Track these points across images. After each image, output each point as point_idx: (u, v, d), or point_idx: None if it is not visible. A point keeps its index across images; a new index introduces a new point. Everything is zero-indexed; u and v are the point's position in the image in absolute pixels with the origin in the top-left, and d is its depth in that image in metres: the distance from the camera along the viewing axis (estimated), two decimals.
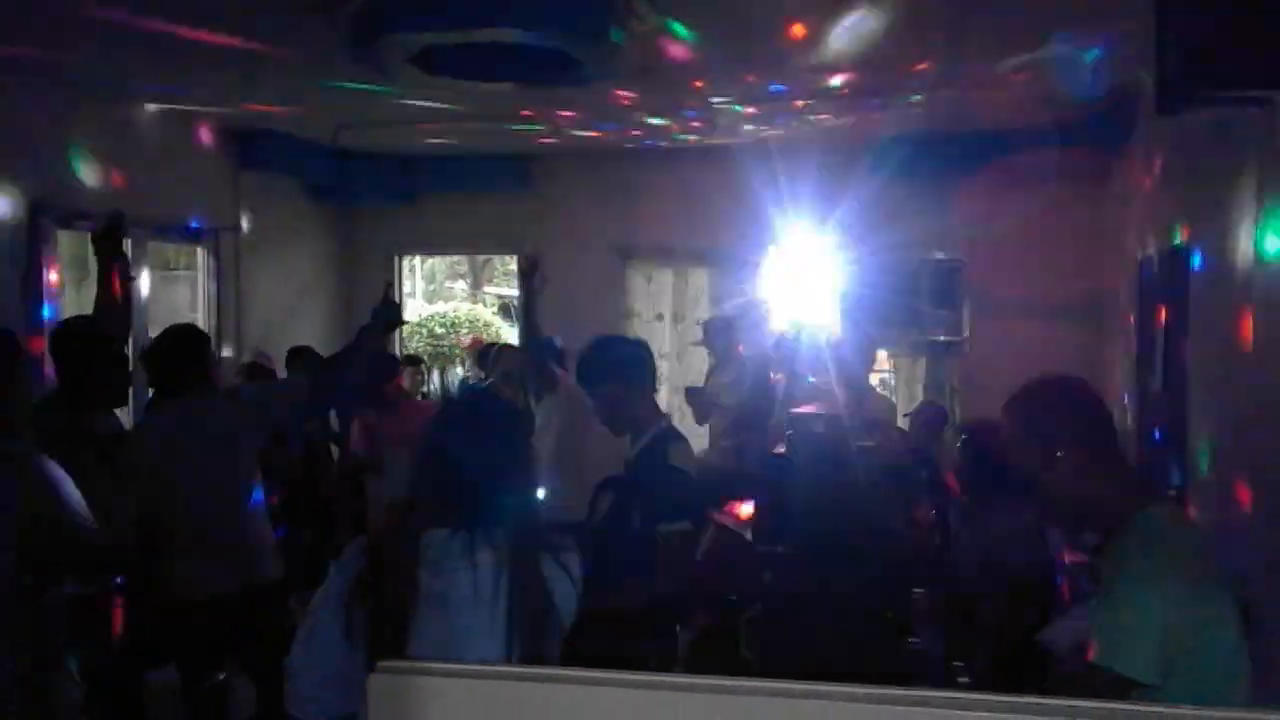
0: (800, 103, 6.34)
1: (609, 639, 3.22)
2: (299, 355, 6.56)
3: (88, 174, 5.96)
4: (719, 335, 6.60)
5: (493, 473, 2.20)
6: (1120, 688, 2.07)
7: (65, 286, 6.23)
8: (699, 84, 5.93)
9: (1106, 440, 2.35)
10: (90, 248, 4.28)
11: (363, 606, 2.08)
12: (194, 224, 6.89)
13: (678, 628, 3.49)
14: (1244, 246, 3.56)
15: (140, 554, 3.49)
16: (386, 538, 2.21)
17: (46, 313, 5.53)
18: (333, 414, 6.64)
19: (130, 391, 4.25)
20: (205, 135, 7.07)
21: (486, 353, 7.21)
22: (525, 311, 5.35)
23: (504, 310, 15.55)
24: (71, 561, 2.92)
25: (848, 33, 4.86)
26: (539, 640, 2.15)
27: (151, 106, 6.30)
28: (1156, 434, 4.95)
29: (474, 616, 2.09)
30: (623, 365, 3.50)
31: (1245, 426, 3.52)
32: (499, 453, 2.22)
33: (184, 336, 4.13)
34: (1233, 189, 3.71)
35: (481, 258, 16.53)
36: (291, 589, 4.27)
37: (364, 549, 2.20)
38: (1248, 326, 3.49)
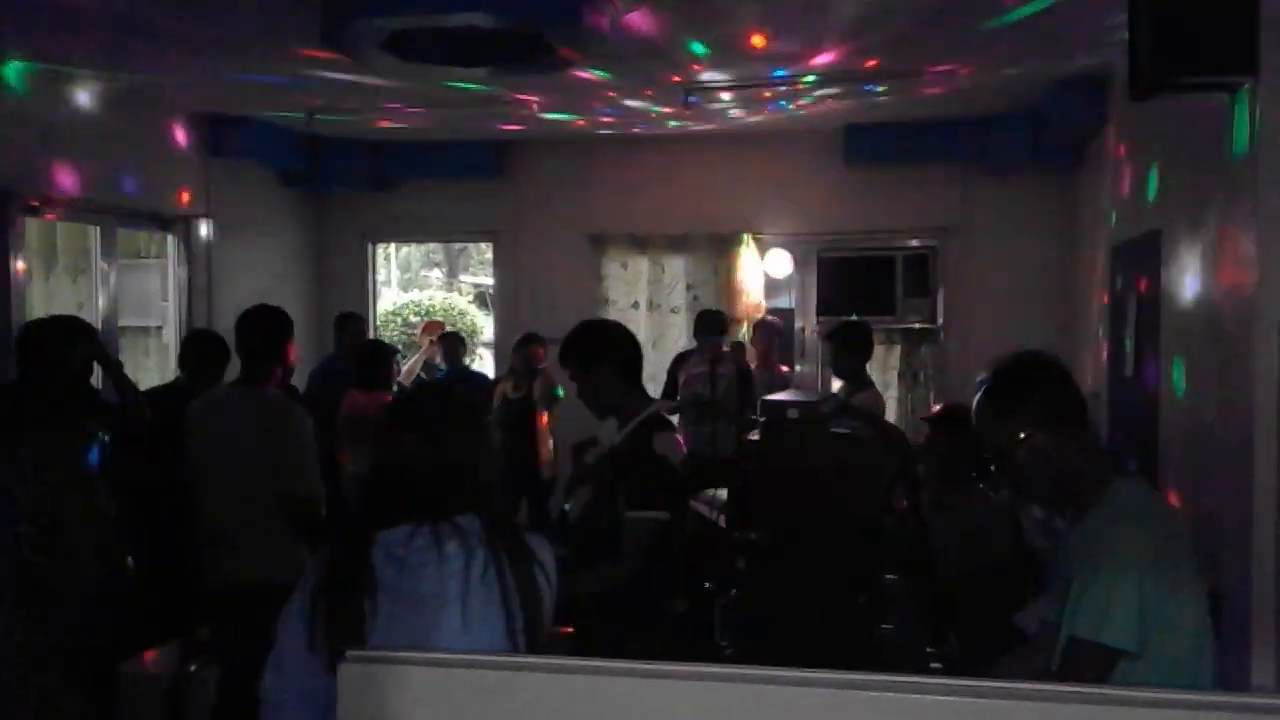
0: (775, 89, 6.32)
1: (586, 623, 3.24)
2: None
3: (55, 161, 5.88)
4: None
5: (451, 466, 2.16)
6: (1105, 661, 2.09)
7: (33, 276, 6.14)
8: (674, 69, 5.91)
9: (1078, 415, 2.37)
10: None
11: (322, 612, 2.04)
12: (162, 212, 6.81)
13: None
14: (1215, 232, 3.58)
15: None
16: (342, 541, 2.16)
17: (13, 303, 5.45)
18: None
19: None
20: (176, 121, 6.98)
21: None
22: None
23: (479, 299, 15.49)
24: None
25: (821, 20, 4.85)
26: (515, 635, 2.10)
27: (121, 92, 6.21)
28: (1128, 420, 4.97)
29: (446, 613, 2.04)
30: (610, 349, 3.48)
31: (1216, 414, 3.54)
32: (454, 445, 2.17)
33: (273, 320, 4.09)
34: (1205, 174, 3.73)
35: (457, 246, 16.46)
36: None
37: (321, 561, 2.16)
38: (1219, 313, 3.50)
